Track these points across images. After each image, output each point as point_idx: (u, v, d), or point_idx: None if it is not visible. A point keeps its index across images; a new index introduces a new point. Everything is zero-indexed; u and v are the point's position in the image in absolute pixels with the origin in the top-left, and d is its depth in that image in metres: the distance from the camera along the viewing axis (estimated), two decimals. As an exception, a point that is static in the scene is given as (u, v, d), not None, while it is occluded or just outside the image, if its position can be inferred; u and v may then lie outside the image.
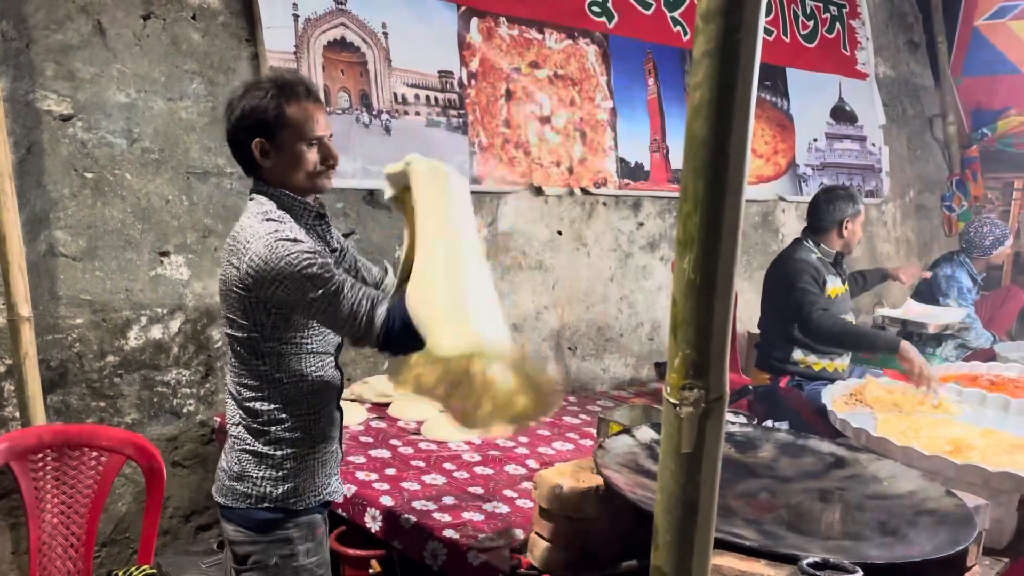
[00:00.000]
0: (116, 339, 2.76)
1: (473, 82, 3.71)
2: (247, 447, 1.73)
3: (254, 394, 1.72)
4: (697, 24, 0.77)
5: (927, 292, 4.43)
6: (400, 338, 1.58)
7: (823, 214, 3.31)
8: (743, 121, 0.77)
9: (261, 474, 1.72)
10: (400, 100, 3.46)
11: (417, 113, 3.51)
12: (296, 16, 3.18)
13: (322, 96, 3.21)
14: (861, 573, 1.31)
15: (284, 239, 1.60)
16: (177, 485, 2.92)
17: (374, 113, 3.37)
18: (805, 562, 1.33)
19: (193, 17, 2.94)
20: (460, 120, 3.65)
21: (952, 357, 3.72)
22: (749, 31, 0.75)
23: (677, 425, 0.82)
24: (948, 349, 3.77)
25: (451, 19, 3.66)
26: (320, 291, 1.57)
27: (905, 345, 2.84)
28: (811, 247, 3.30)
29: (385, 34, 3.44)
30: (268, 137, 1.67)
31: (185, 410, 2.93)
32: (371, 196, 3.37)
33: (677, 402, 0.82)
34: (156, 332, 2.85)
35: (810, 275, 3.17)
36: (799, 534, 1.55)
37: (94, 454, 2.15)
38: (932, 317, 3.72)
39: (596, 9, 4.19)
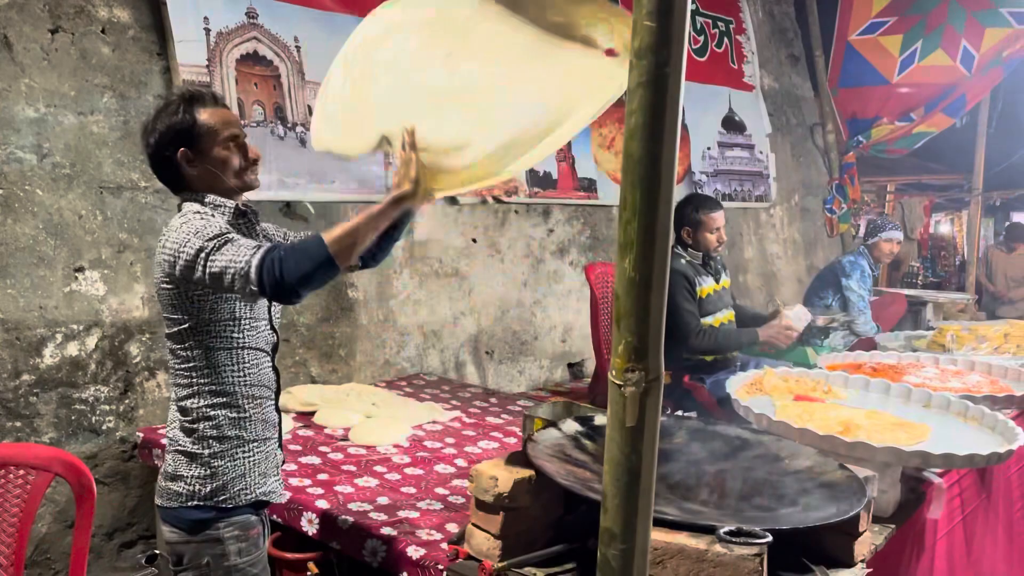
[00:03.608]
0: (31, 357, 2.71)
1: (386, 95, 3.78)
2: (179, 447, 1.78)
3: (186, 392, 1.77)
4: (631, 60, 0.90)
5: (830, 275, 4.78)
6: (283, 276, 1.54)
7: (678, 224, 3.58)
8: (672, 141, 0.91)
9: (192, 472, 1.76)
10: (315, 113, 3.50)
11: (332, 125, 3.56)
12: (208, 30, 3.19)
13: (236, 109, 3.23)
14: (770, 538, 1.47)
15: (192, 221, 1.67)
16: (99, 503, 2.84)
17: (289, 126, 3.40)
18: (722, 531, 1.49)
19: (103, 31, 2.92)
20: (374, 132, 3.71)
21: (839, 347, 4.03)
22: (675, 66, 0.89)
23: (622, 403, 0.95)
24: (835, 340, 4.10)
25: (363, 33, 3.72)
26: (207, 247, 1.61)
27: (760, 334, 3.44)
28: (680, 253, 3.56)
29: (298, 47, 3.48)
30: (189, 146, 1.74)
31: (104, 427, 2.89)
32: (288, 208, 3.40)
33: (621, 383, 0.94)
34: (72, 349, 2.80)
35: (683, 286, 3.45)
36: (714, 508, 1.71)
37: (21, 472, 2.11)
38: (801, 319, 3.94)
39: (502, 24, 4.33)
